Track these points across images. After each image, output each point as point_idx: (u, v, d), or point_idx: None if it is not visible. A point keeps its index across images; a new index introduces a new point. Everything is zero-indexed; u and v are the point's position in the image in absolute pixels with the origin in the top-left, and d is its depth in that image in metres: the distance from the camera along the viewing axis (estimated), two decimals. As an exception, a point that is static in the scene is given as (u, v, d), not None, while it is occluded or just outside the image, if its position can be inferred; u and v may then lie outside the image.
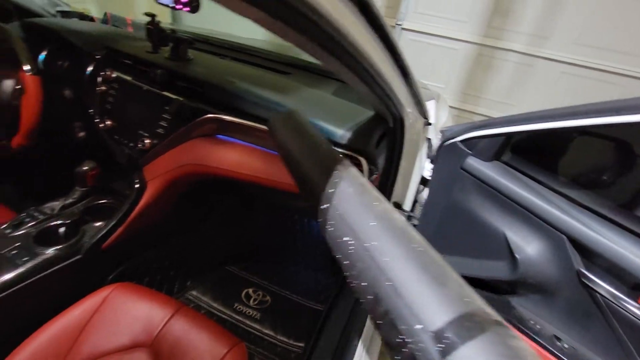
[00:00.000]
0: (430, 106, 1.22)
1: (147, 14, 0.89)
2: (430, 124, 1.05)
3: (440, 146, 0.94)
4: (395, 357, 0.25)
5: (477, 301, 0.24)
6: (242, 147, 0.84)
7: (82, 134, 1.02)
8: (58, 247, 0.76)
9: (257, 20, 0.33)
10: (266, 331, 1.05)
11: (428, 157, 1.09)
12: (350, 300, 1.12)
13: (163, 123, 0.86)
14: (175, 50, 0.92)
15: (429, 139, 1.10)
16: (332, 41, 0.38)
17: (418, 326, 0.23)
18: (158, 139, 0.87)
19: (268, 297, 1.16)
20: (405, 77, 0.63)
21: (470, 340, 0.21)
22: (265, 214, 1.42)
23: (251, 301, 1.14)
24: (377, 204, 0.36)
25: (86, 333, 0.73)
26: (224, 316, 1.08)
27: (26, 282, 0.70)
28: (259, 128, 0.79)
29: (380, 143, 0.82)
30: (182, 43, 0.93)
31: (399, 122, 0.73)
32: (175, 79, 0.87)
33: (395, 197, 0.99)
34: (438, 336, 0.22)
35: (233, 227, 1.36)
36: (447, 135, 0.92)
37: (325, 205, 0.38)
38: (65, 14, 1.19)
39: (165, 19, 1.42)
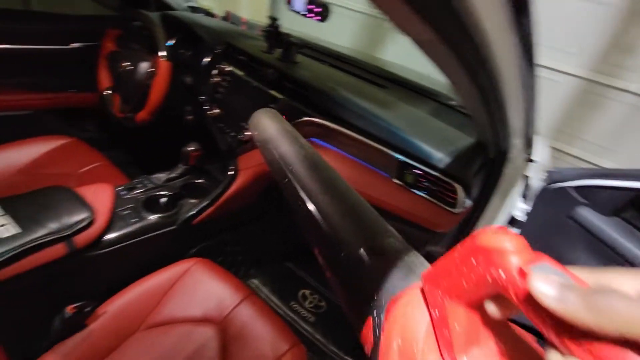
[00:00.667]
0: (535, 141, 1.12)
1: (270, 18, 0.96)
2: (532, 160, 0.97)
3: (545, 188, 0.86)
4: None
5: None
6: (335, 154, 0.85)
7: (190, 117, 1.13)
8: (159, 215, 0.85)
9: (422, 41, 0.33)
10: (318, 336, 1.05)
11: (523, 196, 1.00)
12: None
13: (265, 119, 0.92)
14: (286, 53, 0.98)
15: (526, 177, 1.01)
16: (482, 65, 0.36)
17: None
18: (258, 132, 0.93)
19: (324, 303, 1.16)
20: (529, 103, 0.58)
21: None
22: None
23: (307, 303, 1.15)
24: None
25: (167, 297, 0.81)
26: (279, 311, 1.11)
27: (132, 241, 0.79)
28: (356, 138, 0.80)
29: (479, 173, 0.78)
30: (293, 46, 0.98)
31: (502, 155, 0.68)
32: (282, 79, 0.92)
33: (479, 227, 0.93)
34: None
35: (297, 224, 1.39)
36: (554, 177, 0.84)
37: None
38: (194, 9, 1.34)
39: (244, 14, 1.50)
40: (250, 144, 0.95)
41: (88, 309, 0.68)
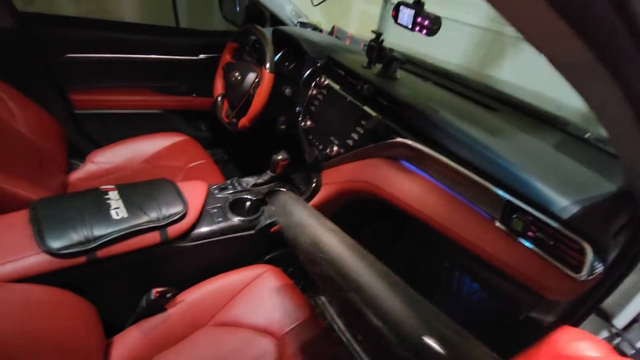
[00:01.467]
0: None
1: (374, 32, 0.93)
2: None
3: None
4: None
5: None
6: (426, 181, 0.76)
7: (284, 127, 1.18)
8: (242, 218, 0.89)
9: (570, 62, 0.24)
10: (381, 378, 0.95)
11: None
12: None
13: (354, 135, 0.88)
14: (386, 68, 0.93)
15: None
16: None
17: None
18: (345, 149, 0.90)
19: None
20: None
21: None
22: (415, 249, 1.31)
23: (373, 336, 1.06)
24: None
25: (236, 299, 0.82)
26: (342, 337, 1.04)
27: (214, 239, 0.84)
28: (455, 169, 0.69)
29: (620, 234, 0.59)
30: (394, 61, 0.92)
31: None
32: (378, 95, 0.87)
33: (606, 304, 0.71)
34: None
35: (378, 249, 1.31)
36: None
37: None
38: (303, 25, 1.40)
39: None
40: (335, 160, 0.92)
41: (169, 295, 0.74)
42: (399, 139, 0.79)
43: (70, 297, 0.64)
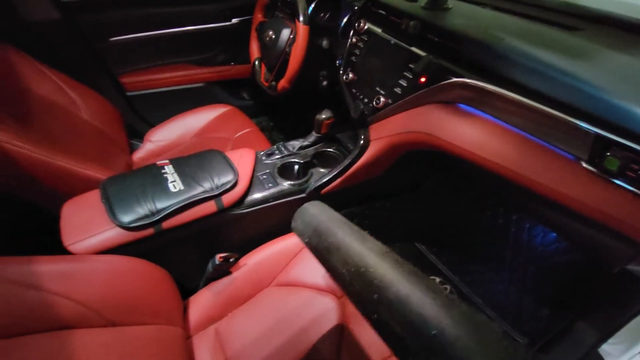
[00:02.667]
0: None
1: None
2: None
3: None
4: None
5: None
6: (490, 124, 0.66)
7: (325, 83, 1.11)
8: (291, 182, 0.88)
9: None
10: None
11: None
12: (571, 355, 0.83)
13: (403, 82, 0.79)
14: (435, -2, 0.80)
15: None
16: None
17: None
18: (393, 99, 0.82)
19: (455, 296, 1.02)
20: None
21: None
22: (478, 202, 1.21)
23: (436, 292, 1.03)
24: None
25: (295, 261, 0.84)
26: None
27: (267, 204, 0.85)
28: (527, 104, 0.59)
29: None
30: (444, -12, 0.79)
31: None
32: (427, 31, 0.76)
33: None
34: None
35: (433, 206, 1.24)
36: None
37: None
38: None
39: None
40: (383, 112, 0.85)
41: (232, 259, 0.77)
42: (455, 79, 0.69)
43: (147, 265, 0.70)
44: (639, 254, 0.55)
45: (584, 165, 0.55)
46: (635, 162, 0.50)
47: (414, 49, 0.78)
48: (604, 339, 0.79)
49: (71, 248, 0.65)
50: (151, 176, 0.76)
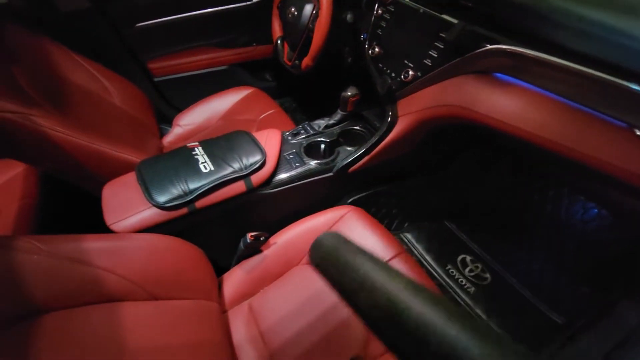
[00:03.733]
0: None
1: None
2: None
3: None
4: None
5: None
6: (530, 93, 0.62)
7: (350, 59, 1.08)
8: (318, 161, 0.88)
9: None
10: (477, 311, 0.92)
11: None
12: (614, 336, 0.79)
13: (433, 53, 0.75)
14: (468, -41, 0.74)
15: None
16: None
17: None
18: (423, 71, 0.78)
19: (488, 275, 1.00)
20: None
21: None
22: (513, 176, 1.16)
23: (467, 270, 1.01)
24: None
25: (324, 239, 0.85)
26: (433, 272, 1.02)
27: (295, 184, 0.85)
28: (573, 69, 0.54)
29: None
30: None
31: None
32: (461, -4, 0.71)
33: None
34: None
35: (464, 183, 1.20)
36: None
37: None
38: None
39: None
40: (412, 86, 0.82)
41: (263, 238, 0.79)
42: (491, 46, 0.64)
43: (183, 243, 0.73)
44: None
45: (638, 133, 0.50)
46: (699, 128, 0.45)
47: (445, 16, 0.73)
48: (650, 319, 0.75)
49: (113, 227, 0.69)
50: (183, 158, 0.78)
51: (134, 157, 0.87)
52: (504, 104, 0.65)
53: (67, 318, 0.53)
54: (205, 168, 0.75)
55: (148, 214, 0.71)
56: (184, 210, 0.73)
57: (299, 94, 1.65)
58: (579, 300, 0.90)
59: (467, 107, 0.71)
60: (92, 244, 0.61)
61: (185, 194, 0.72)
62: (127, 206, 0.71)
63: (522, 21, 0.61)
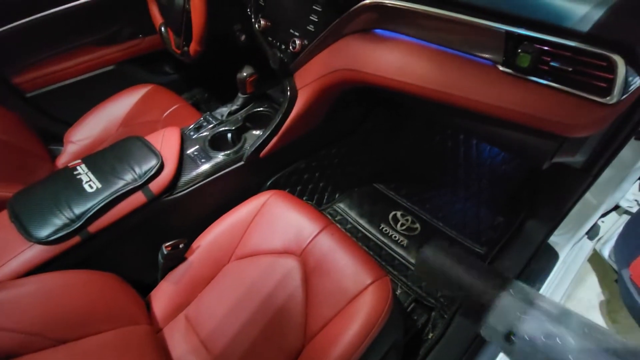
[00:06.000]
0: None
1: None
2: None
3: None
4: None
5: None
6: (408, 45, 0.62)
7: (243, 37, 1.01)
8: (226, 152, 0.83)
9: None
10: (412, 260, 0.97)
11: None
12: (525, 252, 0.88)
13: (314, 17, 0.72)
14: None
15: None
16: None
17: None
18: (309, 38, 0.75)
19: (417, 225, 1.05)
20: None
21: None
22: (423, 128, 1.21)
23: (398, 225, 1.05)
24: None
25: (250, 230, 0.82)
26: (368, 234, 1.05)
27: (205, 181, 0.80)
28: (436, 14, 0.55)
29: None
30: None
31: None
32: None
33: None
34: None
35: (383, 143, 1.23)
36: None
37: None
38: None
39: None
40: (303, 56, 0.79)
41: (181, 245, 0.74)
42: (364, 2, 0.63)
43: (86, 273, 0.66)
44: (561, 145, 0.56)
45: (500, 68, 0.53)
46: (545, 54, 0.48)
47: (317, -23, 0.70)
48: (550, 231, 0.84)
49: (-12, 278, 0.59)
50: (63, 181, 0.68)
51: (8, 192, 0.74)
52: (387, 60, 0.65)
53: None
54: (91, 187, 0.67)
55: (30, 254, 0.61)
56: (76, 239, 0.64)
57: (206, 82, 1.53)
58: (497, 229, 0.99)
59: (355, 69, 0.70)
60: (-38, 305, 0.52)
61: (72, 221, 0.63)
62: (2, 251, 0.61)
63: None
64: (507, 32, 0.49)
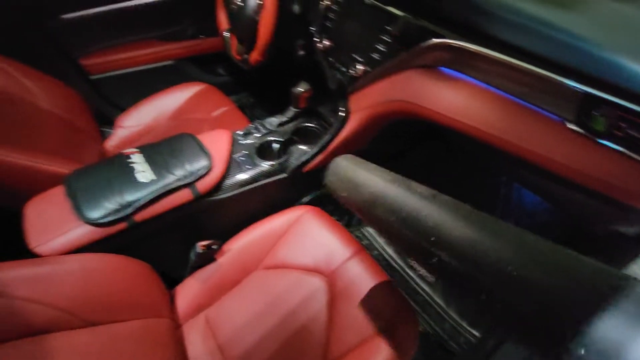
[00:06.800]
0: None
1: None
2: None
3: None
4: None
5: None
6: (472, 87, 0.62)
7: (302, 53, 1.04)
8: (272, 162, 0.84)
9: None
10: (437, 299, 0.94)
11: None
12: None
13: (381, 47, 0.74)
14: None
15: None
16: None
17: None
18: (372, 66, 0.76)
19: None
20: None
21: None
22: (467, 166, 1.19)
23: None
24: None
25: (281, 242, 0.82)
26: (394, 264, 1.03)
27: (247, 187, 0.82)
28: (509, 63, 0.55)
29: None
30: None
31: None
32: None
33: None
34: None
35: (421, 173, 1.21)
36: None
37: None
38: None
39: None
40: (362, 81, 0.80)
41: (215, 246, 0.75)
42: (435, 40, 0.63)
43: (124, 260, 0.68)
44: (626, 215, 0.54)
45: (570, 126, 0.52)
46: (623, 121, 0.47)
47: (390, 8, 0.71)
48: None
49: (38, 250, 0.61)
50: (117, 167, 0.71)
51: (65, 169, 0.78)
52: (449, 98, 0.65)
53: (-20, 360, 0.47)
54: (144, 177, 0.69)
55: (79, 232, 0.64)
56: (123, 225, 0.67)
57: (255, 89, 1.58)
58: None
59: (414, 103, 0.70)
60: (11, 273, 0.54)
61: (122, 207, 0.66)
62: (55, 225, 0.64)
63: (464, 14, 0.60)
64: (586, 93, 0.48)
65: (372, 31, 0.75)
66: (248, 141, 0.90)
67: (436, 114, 0.67)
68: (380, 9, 0.73)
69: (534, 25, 0.53)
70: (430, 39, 0.64)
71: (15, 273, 0.55)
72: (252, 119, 1.16)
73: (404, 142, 1.11)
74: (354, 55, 0.80)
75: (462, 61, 0.62)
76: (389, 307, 0.68)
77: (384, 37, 0.73)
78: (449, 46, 0.61)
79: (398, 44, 0.70)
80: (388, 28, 0.71)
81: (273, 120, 0.95)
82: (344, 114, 0.85)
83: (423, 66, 0.70)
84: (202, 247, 0.73)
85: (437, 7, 0.64)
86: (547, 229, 1.03)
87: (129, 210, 0.66)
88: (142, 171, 0.70)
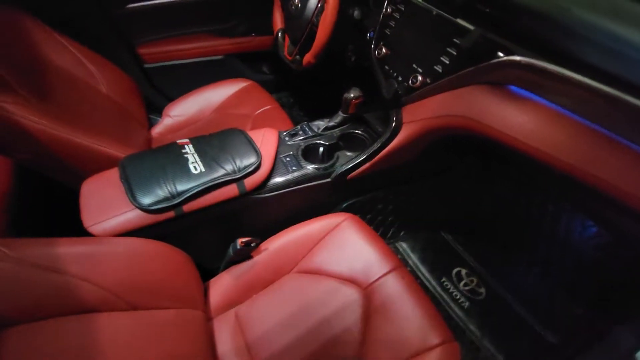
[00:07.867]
0: None
1: None
2: None
3: None
4: None
5: None
6: (546, 110, 0.59)
7: (353, 58, 1.03)
8: (316, 165, 0.83)
9: None
10: (471, 327, 0.89)
11: None
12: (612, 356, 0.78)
13: (445, 59, 0.71)
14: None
15: None
16: None
17: None
18: (432, 78, 0.74)
19: (483, 290, 0.97)
20: None
21: None
22: (514, 189, 1.14)
23: (462, 284, 0.99)
24: None
25: (318, 247, 0.81)
26: (427, 284, 1.00)
27: (291, 189, 0.81)
28: (593, 87, 0.51)
29: None
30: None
31: None
32: (478, 1, 0.67)
33: None
34: None
35: (464, 192, 1.17)
36: None
37: None
38: None
39: None
40: (420, 92, 0.78)
41: (253, 244, 0.75)
42: (508, 57, 0.60)
43: (168, 248, 0.68)
44: None
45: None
46: None
47: (460, 21, 0.69)
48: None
49: (91, 229, 0.63)
50: (171, 156, 0.73)
51: (119, 151, 0.80)
52: (517, 119, 0.62)
53: (34, 332, 0.48)
54: (196, 169, 0.70)
55: (130, 216, 0.65)
56: (171, 214, 0.68)
57: (297, 89, 1.59)
58: (574, 320, 0.89)
59: (477, 120, 0.67)
60: (66, 250, 0.55)
61: (173, 196, 0.67)
62: (108, 207, 0.66)
63: (544, 32, 0.57)
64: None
65: (437, 43, 0.73)
66: (294, 142, 0.89)
67: (502, 133, 0.63)
68: (449, 21, 0.70)
69: (621, 47, 0.49)
70: (501, 55, 0.61)
71: (69, 250, 0.56)
72: (291, 118, 1.17)
73: (450, 157, 1.08)
74: (413, 66, 0.78)
75: (537, 81, 0.59)
76: (426, 328, 0.65)
77: (450, 50, 0.70)
78: (524, 64, 0.58)
79: (465, 58, 0.67)
80: (456, 41, 0.68)
81: (320, 124, 0.94)
82: (395, 124, 0.83)
83: (489, 83, 0.67)
84: (242, 244, 0.73)
85: (513, 23, 0.61)
86: (598, 267, 0.97)
87: (179, 200, 0.67)
88: (194, 162, 0.71)
